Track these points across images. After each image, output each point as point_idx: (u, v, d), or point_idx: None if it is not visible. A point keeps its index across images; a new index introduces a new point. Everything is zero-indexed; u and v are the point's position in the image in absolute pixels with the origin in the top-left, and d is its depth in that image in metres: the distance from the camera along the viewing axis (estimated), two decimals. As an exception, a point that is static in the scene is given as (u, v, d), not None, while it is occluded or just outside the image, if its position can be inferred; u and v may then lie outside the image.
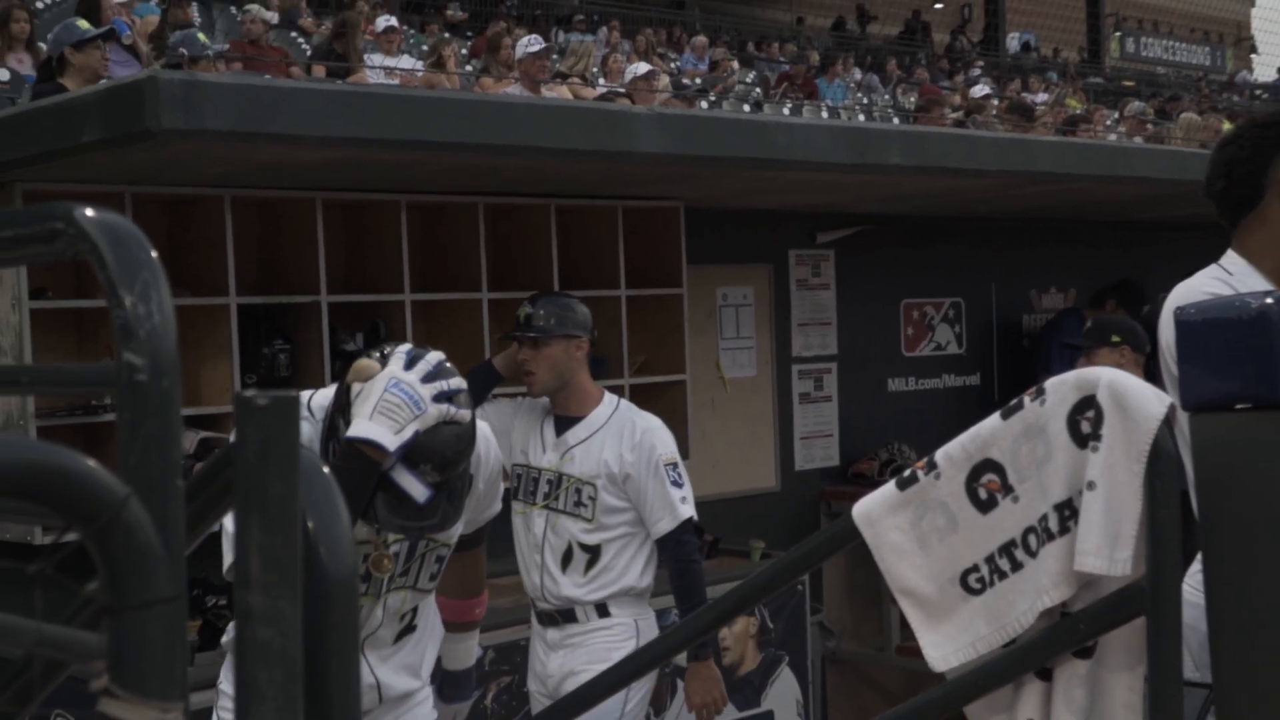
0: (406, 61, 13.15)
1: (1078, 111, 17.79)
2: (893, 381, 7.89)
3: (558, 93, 11.05)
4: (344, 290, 5.92)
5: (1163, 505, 2.45)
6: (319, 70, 11.65)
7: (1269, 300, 2.34)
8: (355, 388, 2.87)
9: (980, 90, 19.41)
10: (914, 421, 7.73)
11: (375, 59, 12.35)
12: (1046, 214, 8.07)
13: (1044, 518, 2.52)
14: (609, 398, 5.15)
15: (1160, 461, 2.45)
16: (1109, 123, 17.55)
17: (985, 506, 2.62)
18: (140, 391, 1.27)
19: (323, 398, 3.12)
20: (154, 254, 1.34)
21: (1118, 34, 33.77)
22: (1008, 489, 2.59)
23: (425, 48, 15.34)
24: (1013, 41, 30.10)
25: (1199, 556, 2.54)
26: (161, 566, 1.19)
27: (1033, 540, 2.55)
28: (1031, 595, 2.52)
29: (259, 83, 6.85)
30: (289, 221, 5.81)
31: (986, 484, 2.62)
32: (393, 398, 2.75)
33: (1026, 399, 2.61)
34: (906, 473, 2.75)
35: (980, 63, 26.42)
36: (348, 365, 6.21)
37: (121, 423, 1.29)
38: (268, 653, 1.23)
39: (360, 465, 2.75)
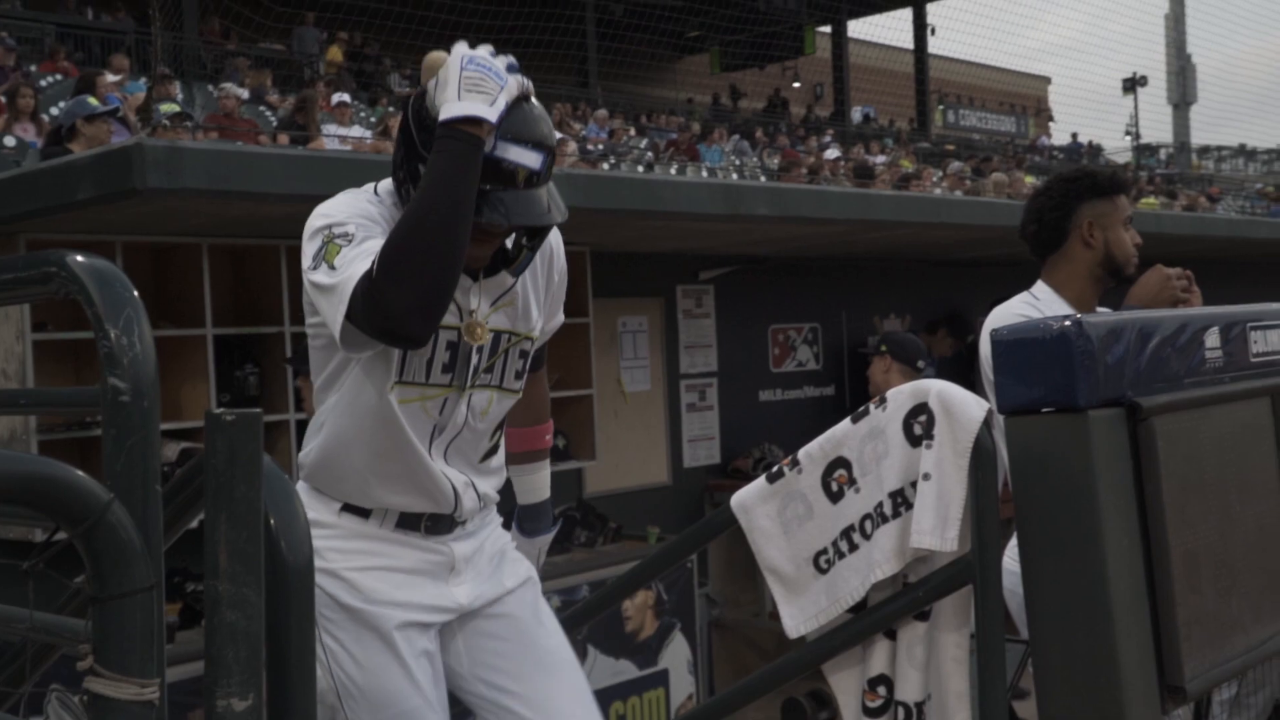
0: (357, 130, 13.06)
1: (909, 170, 18.02)
2: (763, 393, 7.95)
3: (484, 155, 11.02)
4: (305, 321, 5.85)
5: (984, 492, 2.47)
6: (283, 138, 11.51)
7: (1068, 323, 2.37)
8: (430, 84, 2.22)
9: (830, 153, 19.64)
10: (781, 426, 7.79)
11: (331, 129, 12.24)
12: (886, 254, 8.18)
13: (880, 505, 2.54)
14: None
15: (981, 456, 2.47)
16: (935, 179, 17.79)
17: (835, 497, 2.64)
18: (123, 411, 1.27)
19: (383, 187, 2.44)
20: (135, 293, 1.34)
21: (941, 107, 34.31)
22: (853, 481, 2.61)
23: (373, 119, 15.24)
24: (856, 113, 30.53)
25: (1016, 533, 2.57)
26: (140, 560, 1.17)
27: (868, 525, 2.57)
28: (864, 571, 2.55)
29: (231, 149, 6.78)
30: (257, 264, 5.75)
31: (838, 478, 2.64)
32: (474, 73, 2.12)
33: (872, 406, 2.64)
34: (775, 469, 2.76)
35: (830, 131, 26.72)
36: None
37: (107, 437, 1.28)
38: (234, 633, 1.22)
39: (464, 149, 2.10)
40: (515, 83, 2.19)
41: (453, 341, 2.35)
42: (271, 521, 1.38)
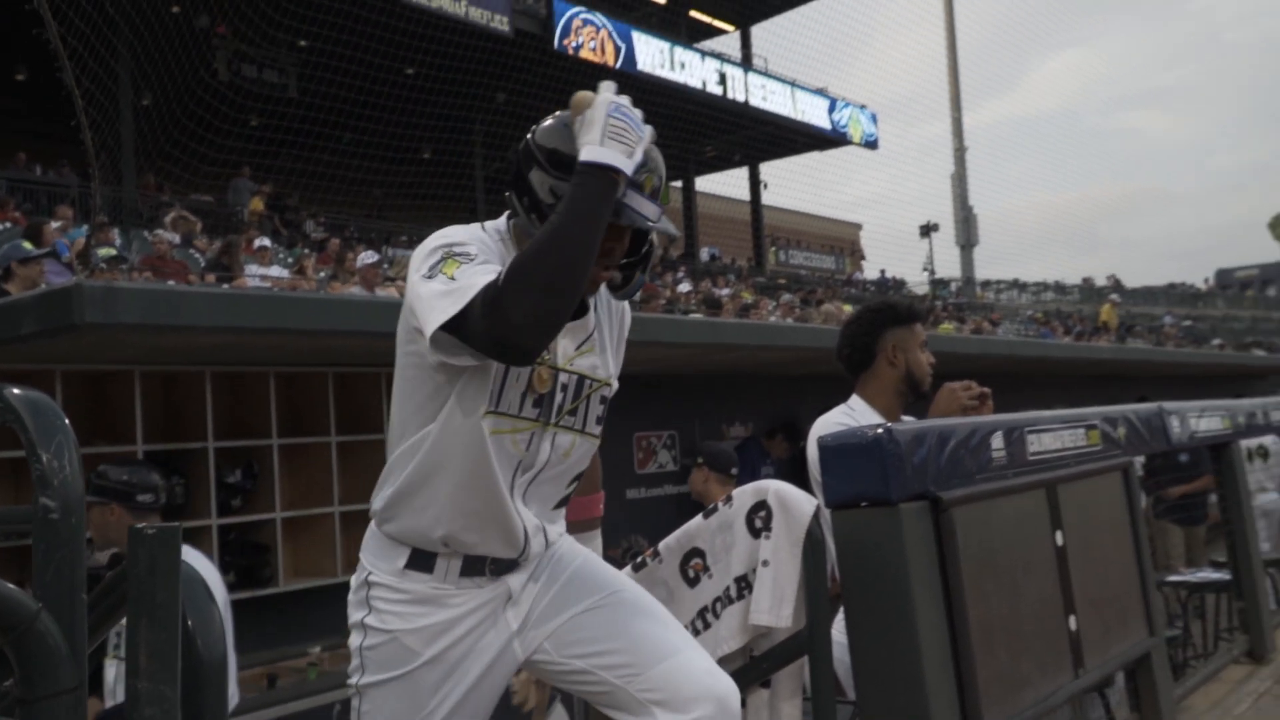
0: (276, 270, 12.86)
1: (749, 301, 18.36)
2: (630, 491, 7.91)
3: (388, 292, 10.92)
4: (226, 438, 5.69)
5: (815, 575, 2.49)
6: (210, 278, 11.28)
7: (880, 431, 2.42)
8: (576, 121, 2.01)
9: (683, 287, 19.93)
10: (645, 520, 7.75)
11: (253, 269, 12.04)
12: (731, 371, 8.29)
13: (728, 588, 2.54)
14: None
15: (812, 545, 2.49)
16: (770, 308, 18.15)
17: (692, 583, 2.62)
18: (52, 527, 1.22)
19: (491, 225, 2.20)
20: (65, 421, 1.29)
21: (774, 248, 35.14)
22: (707, 569, 2.60)
23: (290, 260, 15.05)
24: (704, 253, 31.09)
25: (842, 609, 2.58)
26: (65, 664, 1.11)
27: (719, 606, 2.57)
28: (713, 646, 2.53)
29: (162, 288, 6.63)
30: (185, 388, 5.60)
31: (694, 566, 2.63)
32: (618, 122, 1.94)
33: (720, 504, 2.64)
34: (640, 559, 2.74)
35: (683, 268, 27.16)
36: (231, 495, 6.02)
37: (37, 551, 1.23)
38: (152, 727, 1.15)
39: (601, 188, 1.92)
40: (650, 133, 2.02)
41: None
42: (189, 623, 1.32)
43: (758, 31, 30.05)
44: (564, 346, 2.15)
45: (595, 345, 2.23)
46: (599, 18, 22.67)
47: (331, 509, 6.06)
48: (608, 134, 1.93)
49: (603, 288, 2.22)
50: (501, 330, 1.87)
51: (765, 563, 2.47)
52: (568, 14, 22.07)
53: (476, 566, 2.16)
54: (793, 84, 27.49)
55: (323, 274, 13.59)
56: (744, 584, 2.52)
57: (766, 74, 26.91)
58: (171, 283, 9.15)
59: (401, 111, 19.88)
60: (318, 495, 6.05)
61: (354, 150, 20.09)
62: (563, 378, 2.15)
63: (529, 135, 2.15)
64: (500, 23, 20.62)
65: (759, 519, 2.53)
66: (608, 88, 2.00)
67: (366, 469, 6.31)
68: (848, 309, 18.79)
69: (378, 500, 2.22)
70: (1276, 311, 49.40)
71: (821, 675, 2.46)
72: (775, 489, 2.56)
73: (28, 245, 7.99)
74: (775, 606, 2.45)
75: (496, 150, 23.60)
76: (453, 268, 1.96)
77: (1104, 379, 16.08)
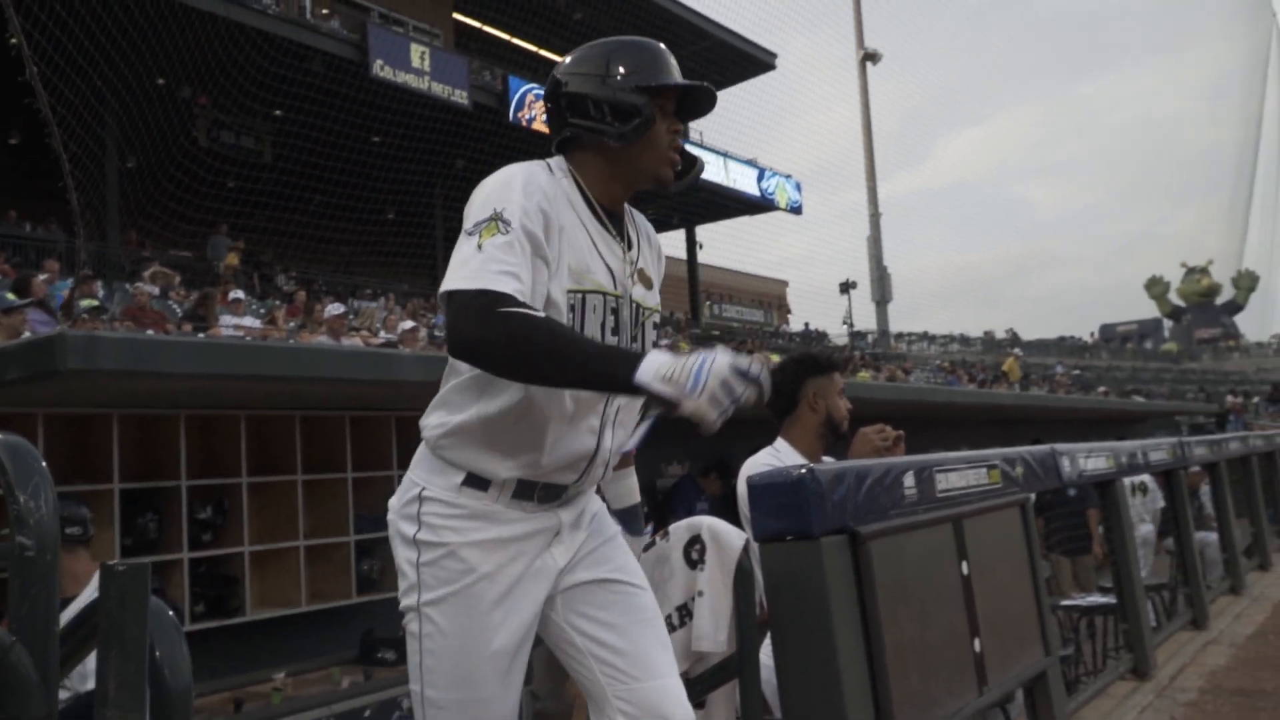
0: (249, 320, 12.67)
1: (686, 351, 18.44)
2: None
3: (353, 341, 10.80)
4: (199, 476, 5.57)
5: (745, 604, 2.48)
6: (187, 327, 11.09)
7: (803, 471, 2.43)
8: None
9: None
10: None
11: (227, 319, 11.84)
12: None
13: (669, 616, 2.51)
14: None
15: (742, 576, 2.48)
16: (705, 358, 18.20)
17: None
18: (28, 565, 1.18)
19: (555, 163, 2.05)
20: (43, 464, 1.25)
21: (709, 302, 35.38)
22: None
23: (262, 310, 14.85)
24: (645, 308, 31.15)
25: (770, 635, 2.57)
26: (38, 694, 1.07)
27: None
28: None
29: (141, 337, 6.51)
30: (161, 430, 5.48)
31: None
32: (721, 394, 1.69)
33: (658, 538, 2.62)
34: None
35: (625, 321, 27.20)
36: (202, 530, 5.88)
37: (13, 587, 1.18)
38: (120, 755, 1.11)
39: (617, 382, 1.72)
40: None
41: (614, 308, 2.00)
42: (156, 654, 1.28)
43: (694, 108, 30.38)
44: (622, 279, 2.03)
45: (642, 277, 2.12)
46: (550, 94, 22.79)
47: (297, 543, 5.95)
48: (707, 396, 1.69)
49: (641, 223, 2.16)
50: (458, 338, 1.80)
51: (700, 593, 2.46)
52: (522, 89, 22.22)
53: (526, 491, 1.99)
54: (725, 155, 27.85)
55: (292, 324, 13.43)
56: (685, 612, 2.50)
57: (702, 146, 27.22)
58: (150, 332, 8.97)
59: (368, 175, 19.84)
60: (284, 530, 5.94)
61: (324, 210, 19.97)
62: (630, 306, 2.05)
63: (564, 77, 2.05)
64: (460, 97, 20.70)
65: (695, 552, 2.52)
66: (729, 358, 1.74)
67: (330, 506, 6.21)
68: (775, 358, 18.91)
69: (434, 427, 2.01)
70: (1154, 362, 50.59)
71: (750, 696, 2.45)
72: (709, 524, 2.55)
73: (11, 297, 7.80)
74: (714, 632, 2.44)
75: (455, 212, 23.50)
76: (489, 234, 1.84)
77: (1003, 422, 16.31)
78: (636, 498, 2.39)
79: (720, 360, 1.72)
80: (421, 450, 2.06)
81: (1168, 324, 62.00)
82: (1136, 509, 8.45)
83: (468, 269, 1.81)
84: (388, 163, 20.09)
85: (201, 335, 9.64)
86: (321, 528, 6.13)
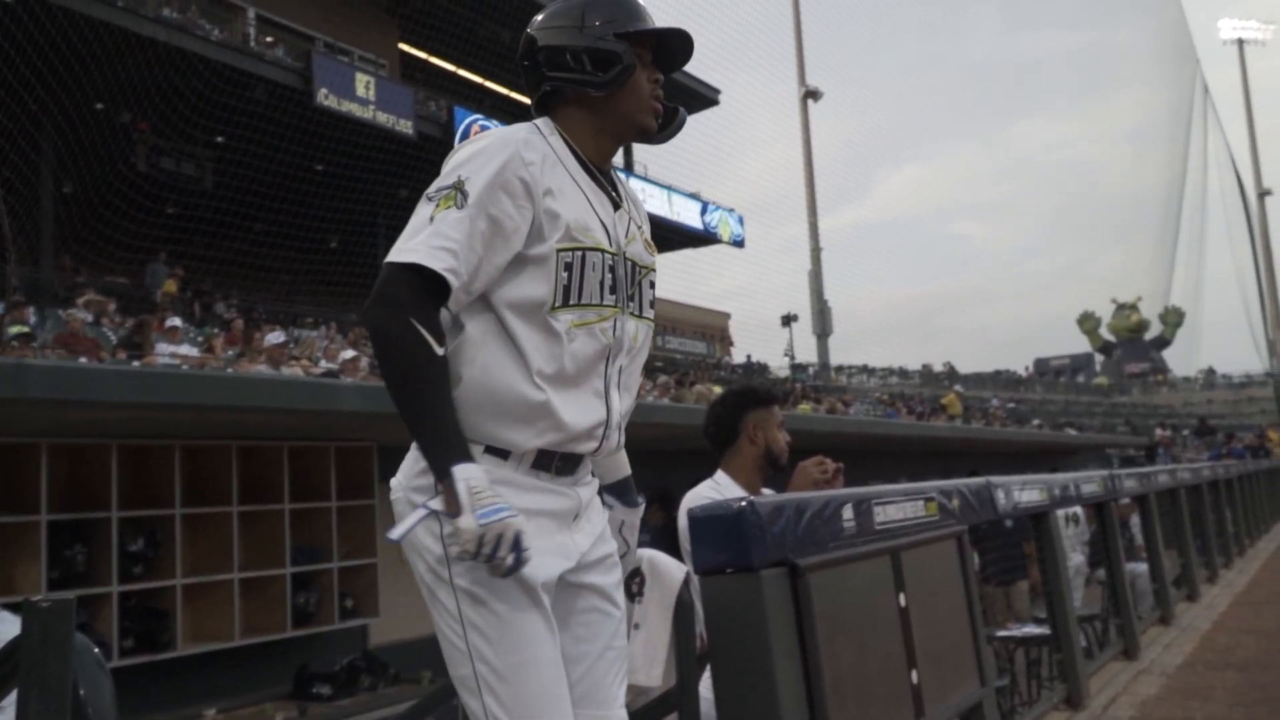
0: (185, 348, 12.42)
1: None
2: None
3: (293, 370, 10.63)
4: (131, 508, 5.43)
5: (685, 637, 2.47)
6: (121, 355, 10.84)
7: (743, 504, 2.43)
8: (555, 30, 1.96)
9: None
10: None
11: (163, 347, 11.61)
12: (611, 447, 8.25)
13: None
14: None
15: (682, 608, 2.47)
16: (648, 389, 18.19)
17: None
18: None
19: (542, 122, 2.00)
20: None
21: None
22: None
23: (200, 338, 14.58)
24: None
25: (710, 667, 2.55)
26: (-50, 737, 1.02)
27: None
28: None
29: (72, 365, 6.33)
30: (91, 460, 5.34)
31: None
32: (485, 546, 1.68)
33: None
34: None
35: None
36: (133, 562, 5.71)
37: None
38: (37, 798, 1.07)
39: (431, 450, 1.76)
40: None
41: (611, 265, 1.93)
42: (80, 692, 1.24)
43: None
44: (616, 236, 1.97)
45: (635, 235, 2.05)
46: (495, 124, 22.82)
47: (231, 575, 5.82)
48: (480, 534, 1.66)
49: (625, 185, 2.11)
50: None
51: (637, 626, 2.44)
52: (467, 120, 22.22)
53: (544, 462, 1.89)
54: (669, 189, 28.04)
55: (231, 352, 13.21)
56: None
57: (646, 179, 27.40)
58: (83, 360, 8.75)
59: (311, 203, 19.63)
60: (218, 562, 5.80)
61: (265, 238, 19.71)
62: (625, 264, 1.98)
63: (540, 32, 2.00)
64: (405, 126, 20.63)
65: (634, 584, 2.50)
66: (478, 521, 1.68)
67: (266, 537, 6.08)
68: (718, 390, 18.98)
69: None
70: (1086, 396, 51.67)
71: (688, 730, 2.43)
72: (649, 557, 2.54)
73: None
74: (647, 666, 2.42)
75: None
76: (444, 205, 1.81)
77: (941, 454, 16.50)
78: (628, 470, 2.25)
79: (515, 523, 1.68)
80: None
81: (1099, 358, 63.40)
82: (1068, 539, 8.58)
83: (412, 243, 1.80)
84: (331, 191, 19.93)
85: (136, 363, 9.42)
86: (257, 560, 6.00)
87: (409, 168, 21.06)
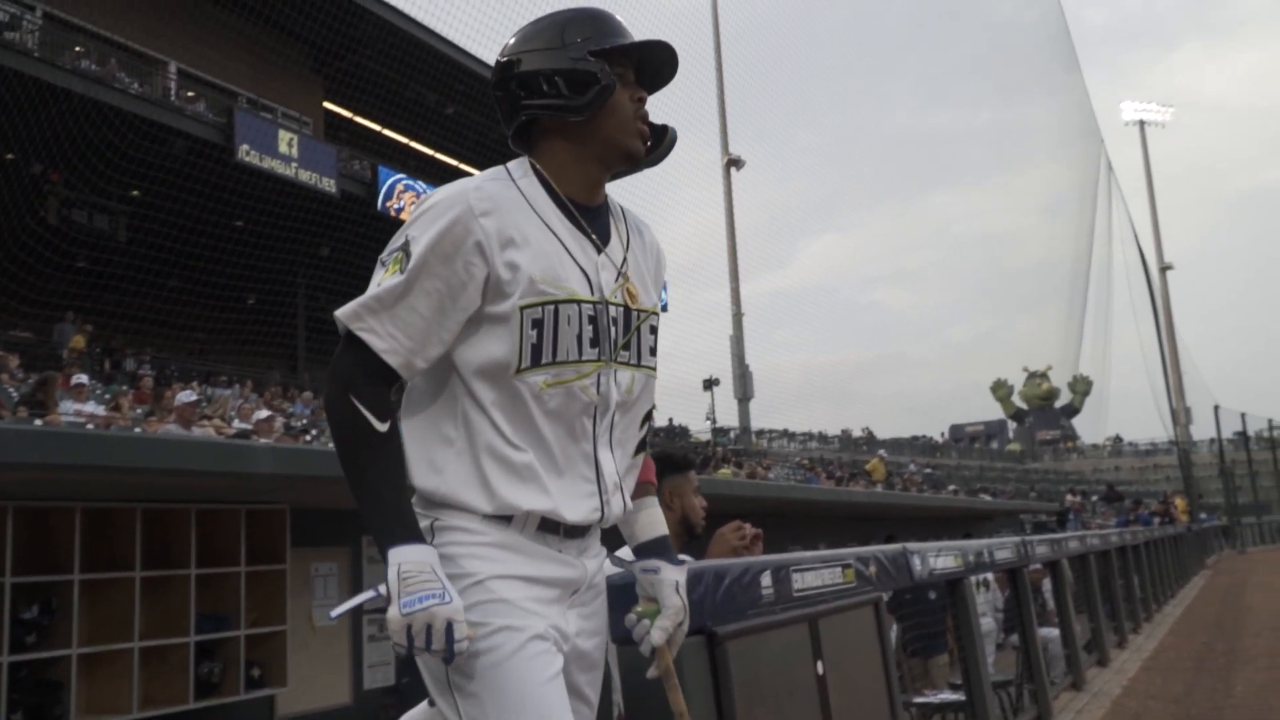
0: (92, 406, 12.03)
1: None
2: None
3: (204, 430, 10.36)
4: (26, 573, 5.20)
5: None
6: (23, 413, 10.46)
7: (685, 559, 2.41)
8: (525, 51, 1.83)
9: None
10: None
11: (68, 405, 11.23)
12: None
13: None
14: None
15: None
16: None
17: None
18: None
19: (514, 165, 1.87)
20: None
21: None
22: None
23: (107, 396, 14.15)
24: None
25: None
26: None
27: None
28: None
29: (-30, 421, 6.10)
30: (-15, 523, 5.11)
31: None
32: (413, 611, 1.59)
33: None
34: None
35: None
36: (26, 631, 5.46)
37: None
38: None
39: (373, 525, 1.69)
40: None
41: (592, 316, 1.78)
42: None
43: (563, 205, 30.81)
44: (605, 279, 1.82)
45: (633, 275, 1.88)
46: (420, 184, 22.84)
47: (131, 644, 5.59)
48: (405, 625, 1.58)
49: (631, 218, 1.96)
50: (327, 385, 1.71)
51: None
52: (391, 179, 22.19)
53: (551, 524, 1.76)
54: (593, 252, 28.22)
55: (139, 411, 12.84)
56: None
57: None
58: (-20, 417, 8.43)
59: (229, 260, 19.34)
60: (118, 630, 5.57)
61: (180, 294, 19.33)
62: (612, 310, 1.81)
63: (512, 58, 1.85)
64: (328, 185, 20.51)
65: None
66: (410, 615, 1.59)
67: (170, 604, 5.87)
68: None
69: (434, 476, 1.77)
70: (999, 462, 52.81)
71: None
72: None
73: None
74: None
75: (318, 299, 23.14)
76: (391, 271, 1.71)
77: (859, 519, 16.66)
78: (664, 528, 2.05)
79: (443, 610, 1.58)
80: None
81: (1012, 425, 64.96)
82: (981, 604, 8.70)
83: (357, 306, 1.71)
84: (250, 248, 19.65)
85: (39, 422, 9.10)
86: (159, 628, 5.78)
87: (331, 226, 20.91)
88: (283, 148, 19.69)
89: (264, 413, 12.03)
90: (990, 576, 9.06)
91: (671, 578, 1.96)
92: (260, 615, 6.31)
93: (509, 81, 1.85)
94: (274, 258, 20.39)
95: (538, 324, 1.73)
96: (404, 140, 26.18)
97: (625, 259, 1.88)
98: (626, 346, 1.84)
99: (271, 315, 21.21)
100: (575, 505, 1.77)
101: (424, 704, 2.46)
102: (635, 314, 1.86)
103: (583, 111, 1.80)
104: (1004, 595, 9.02)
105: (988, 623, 9.00)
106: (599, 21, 1.85)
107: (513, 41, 1.88)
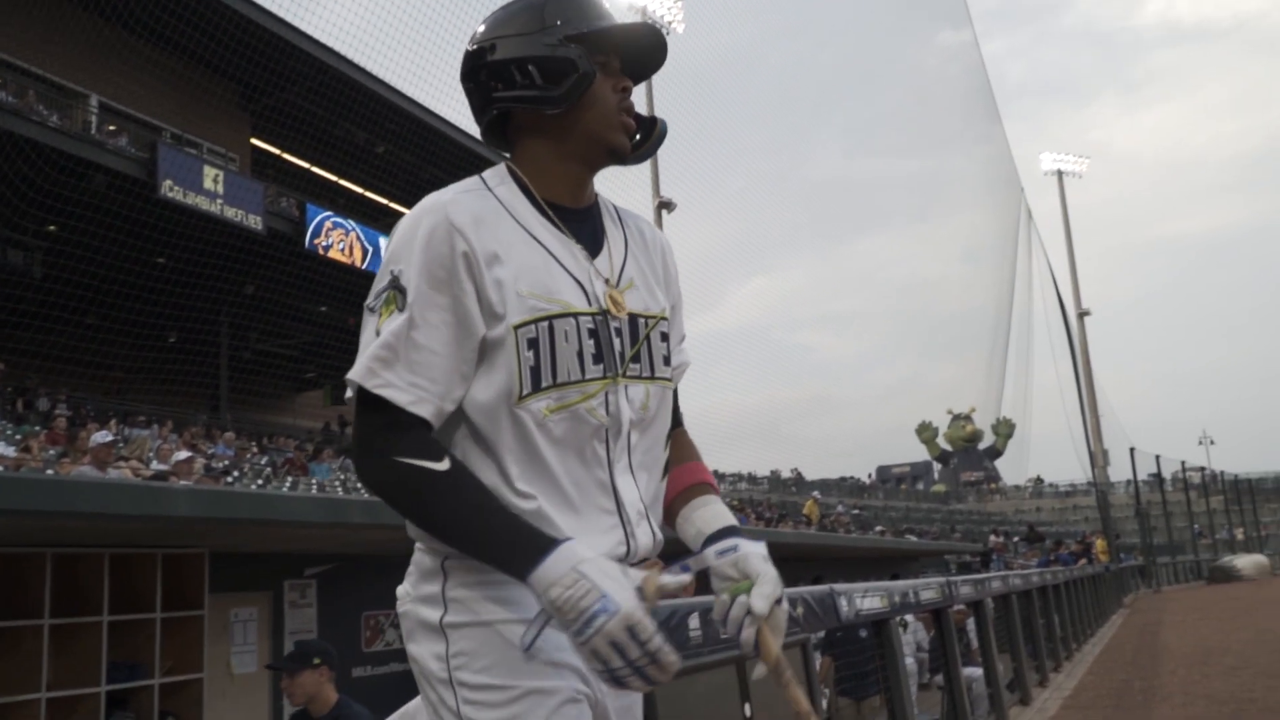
0: (1, 447, 11.66)
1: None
2: (356, 669, 7.47)
3: (120, 472, 10.08)
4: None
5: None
6: (-75, 453, 10.10)
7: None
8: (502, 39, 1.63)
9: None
10: (373, 698, 7.31)
11: (-26, 445, 10.88)
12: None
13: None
14: None
15: None
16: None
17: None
18: None
19: (491, 174, 1.67)
20: None
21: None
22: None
23: (18, 437, 13.70)
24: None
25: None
26: None
27: None
28: None
29: None
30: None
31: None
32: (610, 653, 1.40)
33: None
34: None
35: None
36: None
37: None
38: None
39: (506, 564, 1.44)
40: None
41: (591, 329, 1.59)
42: None
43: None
44: (595, 291, 1.62)
45: (635, 280, 1.70)
46: (349, 222, 22.66)
47: (38, 695, 5.38)
48: (590, 651, 1.38)
49: (629, 218, 1.79)
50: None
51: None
52: (319, 217, 21.98)
53: None
54: (524, 293, 28.20)
55: (52, 452, 12.45)
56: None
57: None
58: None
59: (149, 297, 18.95)
60: (24, 681, 5.36)
61: (98, 332, 18.84)
62: (614, 321, 1.62)
63: (482, 45, 1.66)
64: (254, 222, 20.24)
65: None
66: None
67: (81, 652, 5.67)
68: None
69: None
70: (925, 503, 53.60)
71: None
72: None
73: None
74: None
75: (241, 337, 22.74)
76: (387, 313, 1.53)
77: (787, 560, 16.74)
78: (732, 519, 1.74)
79: (614, 625, 1.37)
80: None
81: (937, 467, 65.99)
82: (903, 644, 8.79)
83: (368, 362, 1.52)
84: (172, 285, 19.30)
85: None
86: (68, 678, 5.57)
87: (257, 263, 20.61)
88: (208, 184, 19.42)
89: (184, 453, 11.75)
90: (911, 617, 9.17)
91: (757, 549, 1.65)
92: (176, 663, 6.13)
93: (479, 71, 1.67)
94: (197, 295, 20.05)
95: (533, 343, 1.55)
96: (333, 178, 25.99)
97: (625, 262, 1.70)
98: (636, 358, 1.64)
99: (193, 353, 20.81)
100: (595, 542, 1.52)
101: (415, 700, 2.29)
102: (643, 321, 1.67)
103: (559, 103, 1.62)
104: (929, 635, 9.13)
105: (910, 663, 9.09)
106: (577, 4, 1.67)
107: (482, 29, 1.69)
